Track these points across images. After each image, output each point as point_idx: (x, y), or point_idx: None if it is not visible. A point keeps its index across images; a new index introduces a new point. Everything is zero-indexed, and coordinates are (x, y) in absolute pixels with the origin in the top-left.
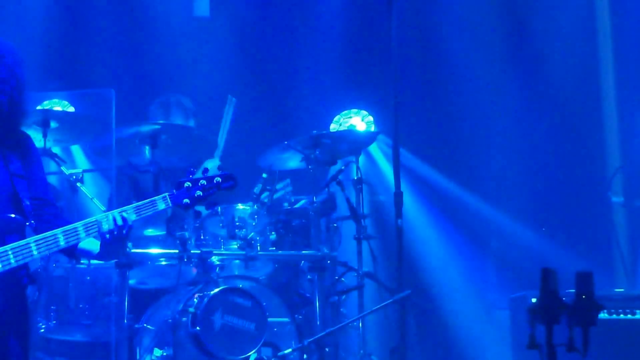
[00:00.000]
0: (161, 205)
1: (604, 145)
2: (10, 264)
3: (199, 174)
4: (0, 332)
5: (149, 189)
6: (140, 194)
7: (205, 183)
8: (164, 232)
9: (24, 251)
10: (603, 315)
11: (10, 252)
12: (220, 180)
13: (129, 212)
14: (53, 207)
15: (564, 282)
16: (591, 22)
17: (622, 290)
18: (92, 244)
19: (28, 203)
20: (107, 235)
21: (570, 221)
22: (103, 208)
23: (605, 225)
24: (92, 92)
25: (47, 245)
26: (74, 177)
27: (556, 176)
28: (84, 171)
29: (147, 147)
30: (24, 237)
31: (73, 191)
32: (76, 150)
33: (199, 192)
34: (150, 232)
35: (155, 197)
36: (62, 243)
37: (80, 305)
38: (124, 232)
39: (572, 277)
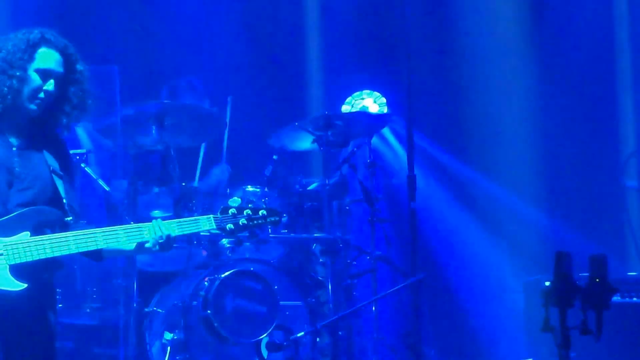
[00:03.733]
0: (205, 226)
1: (618, 129)
2: (45, 253)
3: (243, 203)
4: (36, 313)
5: (156, 169)
6: (147, 175)
7: (251, 213)
8: (171, 214)
9: (61, 244)
10: (616, 298)
11: (47, 243)
12: (265, 213)
13: (173, 227)
14: (79, 219)
15: (577, 266)
16: (608, 5)
17: (635, 273)
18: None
19: (65, 202)
20: (147, 245)
21: (583, 205)
22: (107, 188)
23: (618, 209)
24: (95, 69)
25: (85, 242)
26: (78, 157)
27: (570, 160)
28: (88, 151)
29: (153, 127)
30: (62, 231)
31: (76, 171)
32: (79, 129)
33: (243, 221)
34: (157, 213)
35: (200, 217)
36: (100, 243)
37: (88, 289)
38: (165, 245)
39: (584, 261)
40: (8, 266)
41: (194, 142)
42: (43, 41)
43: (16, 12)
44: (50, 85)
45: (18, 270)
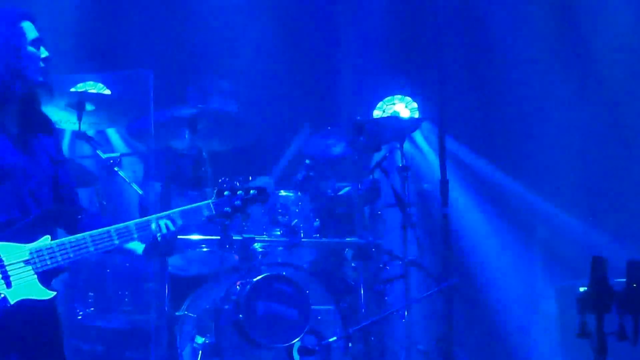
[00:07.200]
0: (205, 213)
1: None
2: (69, 257)
3: (235, 185)
4: (53, 321)
5: (189, 173)
6: (179, 179)
7: (243, 194)
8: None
9: (81, 245)
10: None
11: (68, 246)
12: (255, 193)
13: (176, 217)
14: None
15: (612, 271)
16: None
17: None
18: (134, 244)
19: (76, 192)
20: (156, 237)
21: (618, 210)
22: (141, 192)
23: None
24: (129, 74)
25: (102, 242)
26: (112, 160)
27: (604, 163)
28: (122, 155)
29: (186, 131)
30: (72, 232)
31: (109, 175)
32: (112, 133)
33: (237, 202)
34: None
35: (201, 204)
36: (116, 242)
37: (119, 292)
38: (170, 236)
39: (618, 266)
40: (37, 275)
41: (226, 147)
42: (21, 16)
43: (52, 19)
44: (44, 52)
45: (43, 277)
